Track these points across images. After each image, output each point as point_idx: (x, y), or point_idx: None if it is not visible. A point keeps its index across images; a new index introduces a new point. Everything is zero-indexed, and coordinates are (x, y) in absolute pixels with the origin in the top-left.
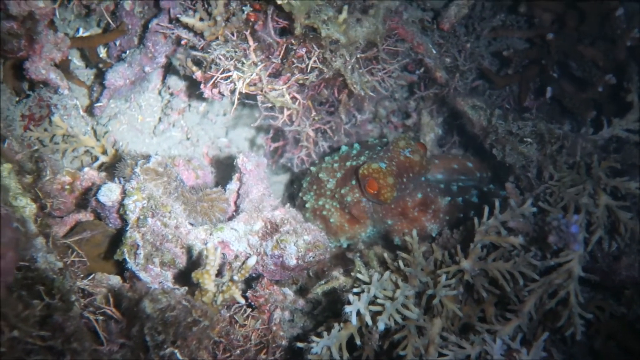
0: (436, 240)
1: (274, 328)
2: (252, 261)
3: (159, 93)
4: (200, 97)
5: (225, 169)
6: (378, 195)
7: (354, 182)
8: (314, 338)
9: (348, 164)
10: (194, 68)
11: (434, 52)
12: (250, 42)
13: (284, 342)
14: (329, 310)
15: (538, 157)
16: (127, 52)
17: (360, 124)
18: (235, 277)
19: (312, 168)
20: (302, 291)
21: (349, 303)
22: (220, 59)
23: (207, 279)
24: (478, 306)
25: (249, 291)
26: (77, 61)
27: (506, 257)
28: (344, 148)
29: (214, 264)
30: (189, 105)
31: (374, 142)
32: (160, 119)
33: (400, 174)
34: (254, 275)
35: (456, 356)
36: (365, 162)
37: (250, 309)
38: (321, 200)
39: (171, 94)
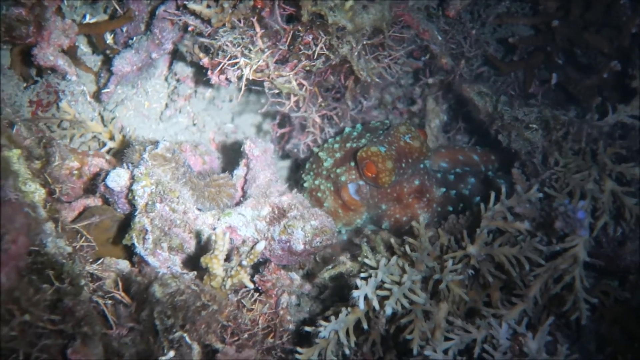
0: (442, 225)
1: (281, 312)
2: (260, 246)
3: (166, 79)
4: (207, 83)
5: (231, 154)
6: (376, 179)
7: (352, 163)
8: (322, 322)
9: (348, 145)
10: (201, 55)
11: (440, 38)
12: (257, 28)
13: (291, 326)
14: (336, 294)
15: (543, 143)
16: (134, 38)
17: (366, 110)
18: (244, 262)
19: (315, 149)
20: (309, 276)
21: (357, 288)
22: (227, 45)
23: (216, 264)
24: (484, 291)
25: (256, 276)
26: (84, 47)
27: (512, 242)
28: (347, 129)
29: (223, 249)
30: (195, 92)
31: (376, 125)
32: (166, 105)
33: (399, 159)
34: (261, 260)
35: (462, 340)
36: (365, 145)
37: (258, 294)
38: (317, 180)
39: (177, 80)
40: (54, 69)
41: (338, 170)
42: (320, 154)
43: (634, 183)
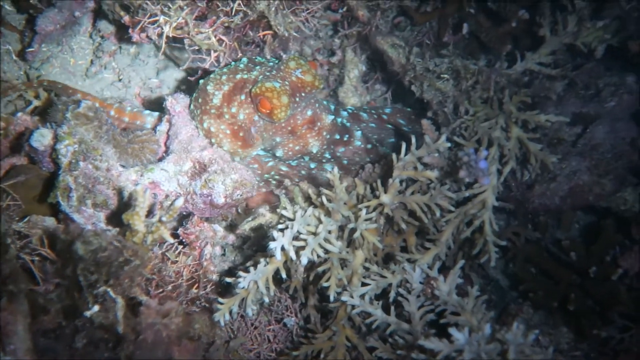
0: (359, 175)
1: (205, 263)
2: (179, 202)
3: (90, 36)
4: (131, 39)
5: (156, 109)
6: (271, 114)
7: (242, 97)
8: (241, 273)
9: (238, 76)
10: (122, 12)
11: None
12: None
13: (214, 277)
14: (257, 245)
15: (454, 93)
16: None
17: None
18: (164, 218)
19: (200, 80)
20: (232, 227)
21: (274, 239)
22: (147, 3)
23: (137, 220)
24: (400, 236)
25: (180, 229)
26: (8, 6)
27: (424, 190)
28: (232, 63)
29: (144, 205)
30: (120, 48)
31: (261, 60)
32: (92, 62)
33: (293, 94)
34: (184, 213)
35: (378, 285)
36: (259, 80)
37: (182, 246)
38: (206, 121)
39: (102, 37)
40: None
41: (233, 110)
42: (208, 87)
43: (539, 130)
